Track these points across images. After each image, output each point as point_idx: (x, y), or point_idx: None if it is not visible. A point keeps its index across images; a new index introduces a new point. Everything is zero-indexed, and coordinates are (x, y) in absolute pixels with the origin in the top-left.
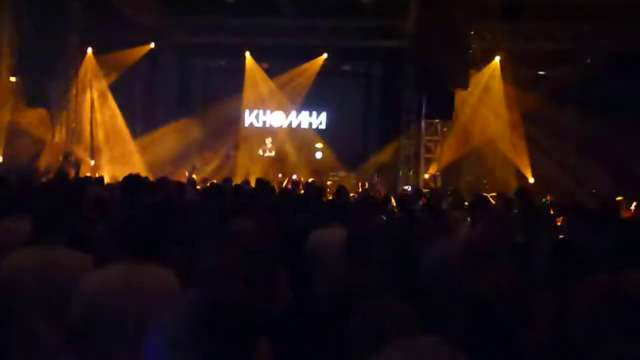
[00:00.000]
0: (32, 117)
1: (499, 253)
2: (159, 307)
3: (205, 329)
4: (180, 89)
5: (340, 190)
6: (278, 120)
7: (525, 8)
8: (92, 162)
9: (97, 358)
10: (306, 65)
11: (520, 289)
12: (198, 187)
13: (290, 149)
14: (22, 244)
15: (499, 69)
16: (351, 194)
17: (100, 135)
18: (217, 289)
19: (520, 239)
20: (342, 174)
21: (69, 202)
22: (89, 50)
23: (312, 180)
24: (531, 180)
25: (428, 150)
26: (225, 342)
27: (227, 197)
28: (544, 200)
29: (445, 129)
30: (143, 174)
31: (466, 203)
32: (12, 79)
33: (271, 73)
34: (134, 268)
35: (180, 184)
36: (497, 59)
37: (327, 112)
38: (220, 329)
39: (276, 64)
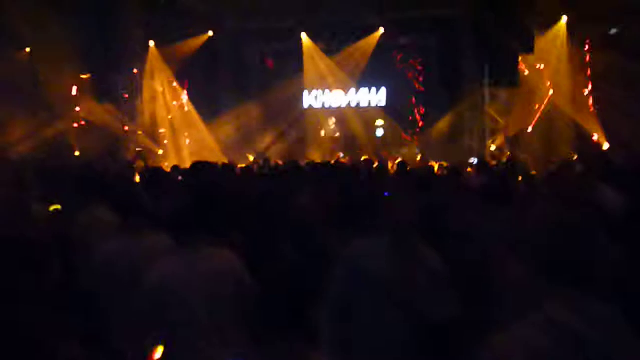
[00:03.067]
0: (103, 112)
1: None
2: (224, 290)
3: None
4: (239, 74)
5: (401, 167)
6: (337, 99)
7: None
8: (161, 152)
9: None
10: (363, 42)
11: None
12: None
13: (351, 128)
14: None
15: (565, 29)
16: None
17: (171, 124)
18: None
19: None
20: (404, 149)
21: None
22: (152, 43)
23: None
24: (606, 146)
25: (493, 120)
26: None
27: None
28: None
29: (510, 97)
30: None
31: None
32: (84, 76)
33: (328, 52)
34: (199, 252)
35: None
36: (564, 19)
37: (386, 87)
38: None
39: (333, 43)
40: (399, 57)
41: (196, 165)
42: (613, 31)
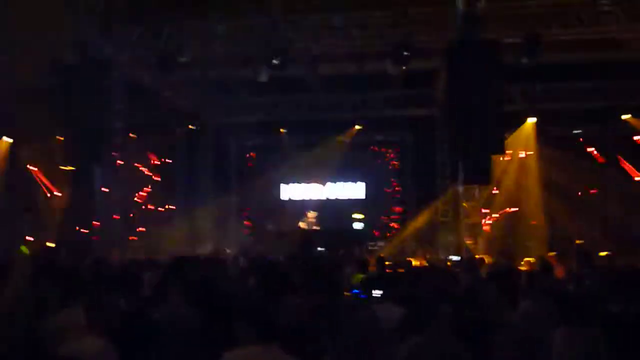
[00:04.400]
0: (81, 204)
1: None
2: None
3: None
4: (219, 166)
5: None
6: (315, 192)
7: (556, 69)
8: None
9: None
10: (340, 137)
11: None
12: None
13: (329, 222)
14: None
15: (533, 130)
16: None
17: (148, 215)
18: None
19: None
20: (381, 243)
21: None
22: (132, 135)
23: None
24: (578, 241)
25: (467, 215)
26: None
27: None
28: None
29: (484, 193)
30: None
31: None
32: (64, 168)
33: (306, 147)
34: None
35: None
36: (530, 120)
37: (363, 181)
38: None
39: (310, 137)
40: (375, 152)
41: (182, 261)
42: (576, 132)
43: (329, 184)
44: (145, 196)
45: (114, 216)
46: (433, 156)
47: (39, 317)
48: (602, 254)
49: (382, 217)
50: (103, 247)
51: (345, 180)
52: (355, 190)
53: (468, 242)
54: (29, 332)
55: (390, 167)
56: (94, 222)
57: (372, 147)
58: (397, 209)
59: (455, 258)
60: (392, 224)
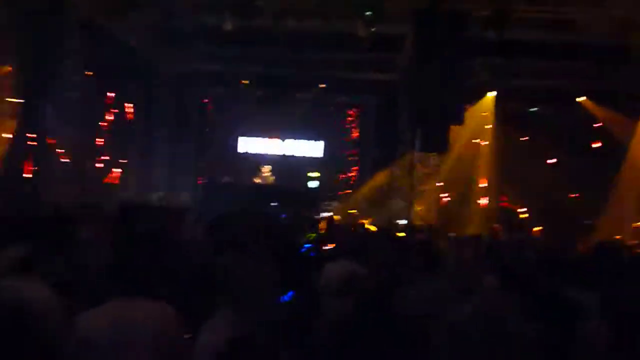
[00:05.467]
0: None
1: None
2: (152, 341)
3: None
4: (176, 116)
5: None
6: (273, 148)
7: (518, 46)
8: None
9: None
10: (303, 94)
11: None
12: None
13: (286, 178)
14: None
15: (492, 104)
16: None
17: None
18: None
19: None
20: (334, 203)
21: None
22: (85, 71)
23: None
24: (524, 215)
25: (422, 182)
26: None
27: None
28: None
29: (440, 162)
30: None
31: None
32: (9, 100)
33: (267, 102)
34: (127, 305)
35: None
36: (490, 94)
37: (321, 141)
38: None
39: (271, 93)
40: (337, 113)
41: (128, 209)
42: (533, 110)
43: (287, 140)
44: (99, 140)
45: (62, 158)
46: (394, 122)
47: None
48: None
49: (338, 177)
50: (50, 190)
51: (305, 138)
52: (314, 148)
53: (419, 208)
54: None
55: (351, 129)
56: (39, 163)
57: (333, 108)
58: (354, 170)
59: (402, 222)
60: (347, 185)
